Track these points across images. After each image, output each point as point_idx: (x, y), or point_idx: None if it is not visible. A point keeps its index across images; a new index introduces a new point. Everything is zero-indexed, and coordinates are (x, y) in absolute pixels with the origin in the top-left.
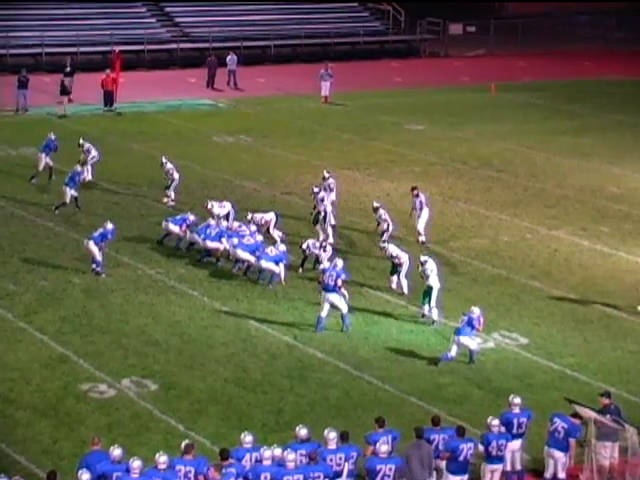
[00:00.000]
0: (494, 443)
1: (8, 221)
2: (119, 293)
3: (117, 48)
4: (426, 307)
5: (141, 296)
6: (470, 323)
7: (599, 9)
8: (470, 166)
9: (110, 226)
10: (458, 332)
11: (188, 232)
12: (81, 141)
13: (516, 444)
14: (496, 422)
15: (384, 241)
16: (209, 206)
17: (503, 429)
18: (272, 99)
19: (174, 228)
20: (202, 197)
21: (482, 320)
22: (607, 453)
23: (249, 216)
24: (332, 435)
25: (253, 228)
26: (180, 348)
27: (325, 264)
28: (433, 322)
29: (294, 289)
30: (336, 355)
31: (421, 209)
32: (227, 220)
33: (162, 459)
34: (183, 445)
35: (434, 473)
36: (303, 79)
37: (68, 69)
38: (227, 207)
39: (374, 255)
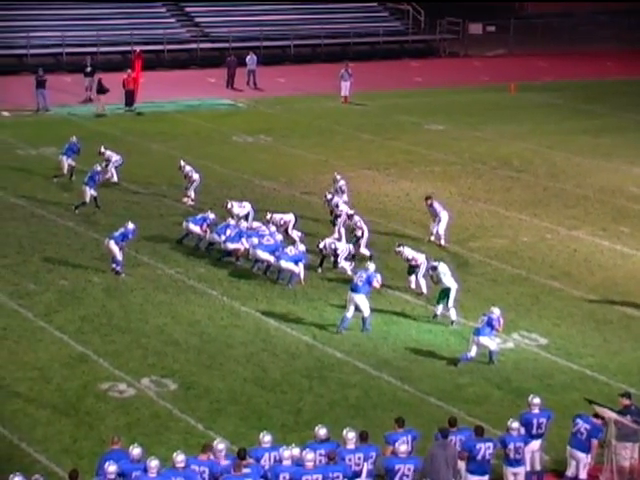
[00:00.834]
0: (511, 445)
1: (28, 220)
2: (139, 292)
3: (137, 48)
4: (439, 307)
5: (161, 295)
6: (490, 323)
7: (618, 9)
8: (490, 166)
9: (131, 226)
10: (478, 332)
11: (208, 232)
12: (102, 149)
13: (535, 444)
14: (516, 425)
15: (399, 245)
16: (229, 206)
17: (523, 431)
18: (291, 99)
19: (194, 228)
20: (221, 197)
21: (502, 321)
22: (627, 454)
23: (268, 216)
24: (351, 435)
25: (273, 228)
26: (199, 348)
27: (343, 264)
28: (452, 322)
29: (313, 289)
30: (355, 355)
31: (437, 215)
32: (246, 220)
33: (179, 458)
34: (215, 444)
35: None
36: (323, 79)
37: (88, 69)
38: (247, 207)
39: (393, 255)
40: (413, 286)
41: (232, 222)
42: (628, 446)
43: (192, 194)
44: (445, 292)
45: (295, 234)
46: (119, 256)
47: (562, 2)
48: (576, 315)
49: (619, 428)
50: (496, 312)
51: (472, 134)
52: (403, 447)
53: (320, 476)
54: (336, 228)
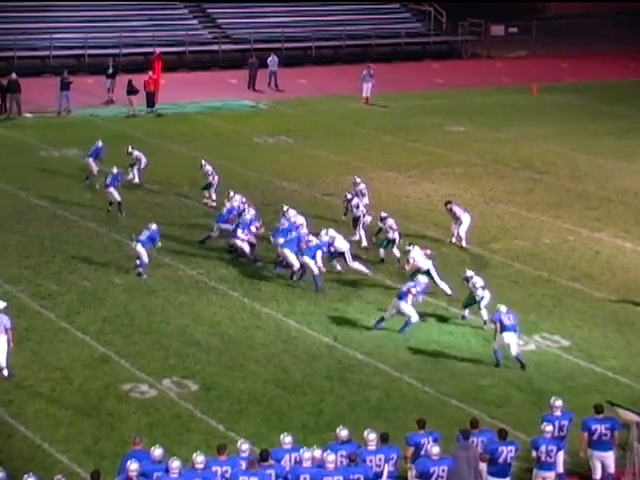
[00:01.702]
0: (543, 448)
1: (51, 221)
2: (160, 294)
3: (158, 49)
4: (466, 311)
5: (182, 297)
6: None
7: None
8: (512, 168)
9: (154, 226)
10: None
11: (271, 238)
12: (130, 149)
13: None
14: (550, 428)
15: (409, 244)
16: (285, 209)
17: (557, 433)
18: (313, 100)
19: (241, 236)
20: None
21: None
22: None
23: (284, 208)
24: (372, 436)
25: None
26: (221, 349)
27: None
28: (485, 323)
29: (334, 290)
30: (376, 356)
31: (458, 218)
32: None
33: (199, 459)
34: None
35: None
36: (344, 80)
37: (110, 71)
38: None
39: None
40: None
41: (285, 224)
42: None
43: (213, 195)
44: (477, 301)
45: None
46: (145, 259)
47: (584, 2)
48: (598, 317)
49: None
50: (503, 309)
51: (494, 135)
52: (435, 449)
53: (341, 477)
54: (356, 230)
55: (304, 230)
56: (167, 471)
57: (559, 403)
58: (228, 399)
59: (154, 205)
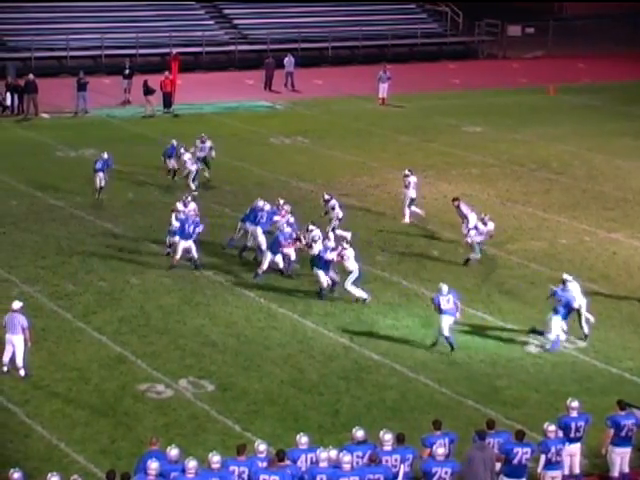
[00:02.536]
0: (553, 448)
1: (67, 221)
2: (176, 294)
3: (175, 50)
4: (563, 324)
5: (198, 297)
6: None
7: None
8: (528, 168)
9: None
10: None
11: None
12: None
13: (574, 448)
14: (552, 427)
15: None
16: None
17: (560, 433)
18: (329, 101)
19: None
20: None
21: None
22: None
23: (280, 202)
24: (388, 437)
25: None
26: (237, 349)
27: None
28: (585, 337)
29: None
30: (392, 357)
31: (465, 217)
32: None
33: (215, 459)
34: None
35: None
36: (360, 81)
37: (127, 71)
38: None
39: (432, 257)
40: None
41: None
42: None
43: (192, 185)
44: (576, 311)
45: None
46: (195, 252)
47: (600, 3)
48: (615, 318)
49: None
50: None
51: (510, 136)
52: (441, 450)
53: (357, 478)
54: (327, 230)
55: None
56: (183, 471)
57: (575, 404)
58: (244, 399)
59: (170, 205)
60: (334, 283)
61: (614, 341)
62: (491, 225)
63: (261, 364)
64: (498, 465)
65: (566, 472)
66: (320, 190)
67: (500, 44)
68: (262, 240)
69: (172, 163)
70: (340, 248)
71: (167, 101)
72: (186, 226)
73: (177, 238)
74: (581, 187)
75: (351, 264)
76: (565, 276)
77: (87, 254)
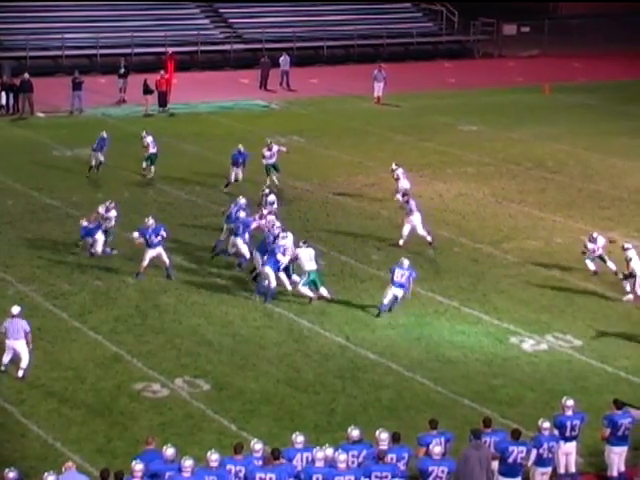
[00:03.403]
0: (545, 445)
1: (63, 221)
2: (172, 293)
3: (170, 49)
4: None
5: (194, 296)
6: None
7: None
8: (524, 167)
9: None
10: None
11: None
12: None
13: (570, 447)
14: (547, 424)
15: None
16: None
17: (556, 432)
18: (325, 100)
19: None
20: (255, 197)
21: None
22: None
23: (266, 191)
24: (383, 436)
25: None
26: (232, 348)
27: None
28: None
29: (346, 290)
30: (388, 356)
31: (411, 211)
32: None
33: (214, 457)
34: (253, 444)
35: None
36: (356, 80)
37: (122, 70)
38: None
39: (427, 255)
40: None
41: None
42: None
43: (152, 168)
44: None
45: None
46: (166, 259)
47: (596, 2)
48: (611, 317)
49: None
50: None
51: (506, 135)
52: (437, 449)
53: (352, 477)
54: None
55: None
56: (180, 470)
57: (571, 403)
58: (240, 399)
59: (166, 204)
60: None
61: (610, 340)
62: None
63: (257, 363)
64: (494, 464)
65: (562, 471)
66: (316, 189)
67: (496, 43)
68: (245, 250)
69: (99, 156)
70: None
71: (163, 100)
72: (147, 235)
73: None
74: (577, 186)
75: (308, 264)
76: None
77: (82, 253)
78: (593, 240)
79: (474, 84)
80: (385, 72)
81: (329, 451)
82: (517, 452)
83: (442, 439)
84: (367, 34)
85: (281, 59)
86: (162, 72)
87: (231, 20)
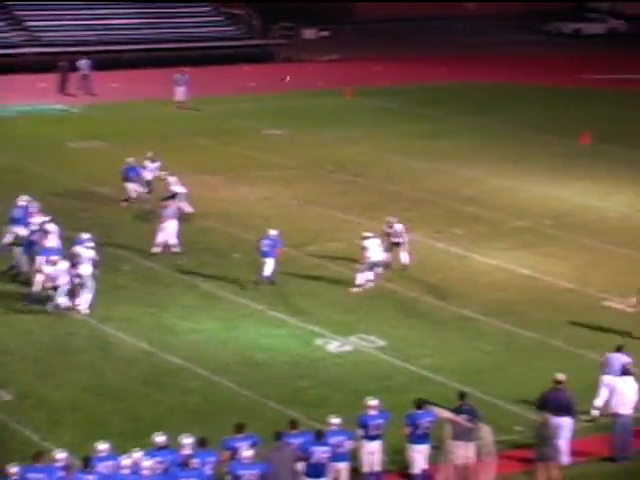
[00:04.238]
0: (372, 423)
1: None
2: None
3: None
4: None
5: None
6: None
7: (451, 15)
8: (327, 170)
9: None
10: None
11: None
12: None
13: (374, 446)
14: (374, 402)
15: None
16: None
17: (361, 431)
18: (127, 104)
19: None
20: (61, 206)
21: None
22: (462, 453)
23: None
24: (187, 441)
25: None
26: (35, 357)
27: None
28: None
29: (150, 295)
30: (194, 361)
31: (163, 222)
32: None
33: (13, 470)
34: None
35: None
36: (158, 84)
37: None
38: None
39: (233, 261)
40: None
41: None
42: (463, 445)
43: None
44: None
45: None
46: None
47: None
48: (413, 317)
49: (454, 427)
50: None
51: (309, 139)
52: (247, 453)
53: None
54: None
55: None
56: None
57: (374, 402)
58: (44, 408)
59: None
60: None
61: (412, 339)
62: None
63: (60, 372)
64: (299, 465)
65: (366, 470)
66: (120, 194)
67: (296, 47)
68: (24, 261)
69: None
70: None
71: None
72: None
73: None
74: (379, 188)
75: (62, 279)
76: None
77: None
78: (390, 226)
79: (276, 88)
80: (187, 76)
81: (135, 457)
82: (320, 452)
83: (247, 443)
84: (168, 38)
85: (80, 62)
86: None
87: (27, 23)
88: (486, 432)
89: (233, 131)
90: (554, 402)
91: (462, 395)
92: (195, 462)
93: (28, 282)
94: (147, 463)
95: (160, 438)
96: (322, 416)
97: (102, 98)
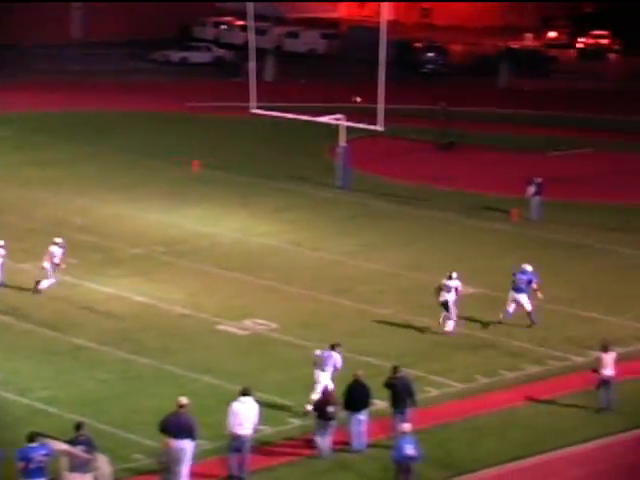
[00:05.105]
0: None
1: None
2: None
3: None
4: None
5: None
6: None
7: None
8: None
9: None
10: None
11: None
12: None
13: None
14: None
15: None
16: None
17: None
18: None
19: None
20: None
21: None
22: None
23: None
24: None
25: None
26: None
27: None
28: None
29: None
30: None
31: None
32: None
33: None
34: None
35: None
36: None
37: None
38: None
39: None
40: None
41: None
42: (79, 477)
43: None
44: None
45: None
46: None
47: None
48: (27, 349)
49: (71, 459)
50: None
51: None
52: None
53: None
54: None
55: None
56: None
57: None
58: None
59: None
60: None
61: (26, 372)
62: None
63: None
64: None
65: None
66: None
67: None
68: None
69: None
70: None
71: None
72: None
73: None
74: None
75: None
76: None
77: None
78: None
79: None
80: None
81: None
82: None
83: None
84: None
85: None
86: None
87: None
88: (103, 462)
89: None
90: (174, 425)
91: (78, 426)
92: None
93: None
94: None
95: None
96: None
97: None
